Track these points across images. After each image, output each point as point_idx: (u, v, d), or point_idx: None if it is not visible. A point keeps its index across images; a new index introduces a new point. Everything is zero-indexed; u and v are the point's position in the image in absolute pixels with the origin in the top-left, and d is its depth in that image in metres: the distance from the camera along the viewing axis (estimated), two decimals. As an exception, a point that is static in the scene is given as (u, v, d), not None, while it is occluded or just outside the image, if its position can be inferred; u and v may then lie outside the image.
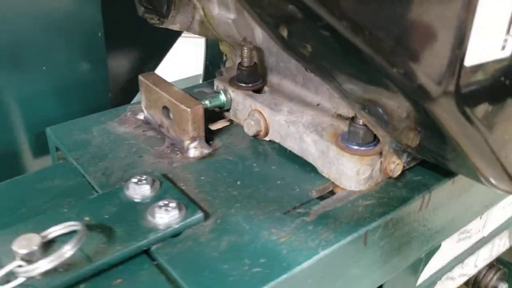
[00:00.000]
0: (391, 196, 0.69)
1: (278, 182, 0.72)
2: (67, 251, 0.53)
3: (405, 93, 0.48)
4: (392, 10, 0.39)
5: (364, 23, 0.40)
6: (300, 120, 0.76)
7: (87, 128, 0.85)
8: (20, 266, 0.53)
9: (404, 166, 0.72)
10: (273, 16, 0.49)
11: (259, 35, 0.82)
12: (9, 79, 0.87)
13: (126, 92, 1.24)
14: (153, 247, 0.60)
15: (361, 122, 0.68)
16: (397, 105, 0.59)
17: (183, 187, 0.70)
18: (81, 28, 0.90)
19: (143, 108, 0.86)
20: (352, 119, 0.69)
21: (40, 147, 0.92)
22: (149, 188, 0.66)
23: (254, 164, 0.76)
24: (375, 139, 0.69)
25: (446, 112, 0.49)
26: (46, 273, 0.54)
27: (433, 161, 0.69)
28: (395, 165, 0.69)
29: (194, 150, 0.78)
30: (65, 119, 0.86)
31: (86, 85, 0.96)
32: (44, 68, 0.88)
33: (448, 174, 0.73)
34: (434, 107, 0.48)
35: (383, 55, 0.42)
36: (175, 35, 1.33)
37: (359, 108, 0.59)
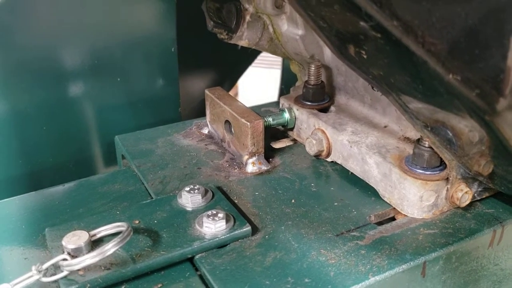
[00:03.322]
0: (457, 227, 0.64)
1: (335, 203, 0.69)
2: (110, 248, 0.53)
3: (465, 106, 0.44)
4: (446, 10, 0.36)
5: (417, 24, 0.37)
6: (364, 140, 0.72)
7: (153, 138, 0.87)
8: (65, 259, 0.54)
9: (474, 196, 0.66)
10: (330, 25, 0.48)
11: (328, 53, 0.80)
12: (87, 89, 0.91)
13: (197, 113, 1.26)
14: (197, 256, 0.59)
15: (426, 144, 0.63)
16: (468, 127, 0.55)
17: (236, 201, 0.69)
18: (156, 43, 0.94)
19: (208, 121, 0.87)
20: (418, 141, 0.65)
21: (111, 156, 0.96)
22: (201, 198, 0.66)
23: (312, 184, 0.74)
24: (442, 164, 0.64)
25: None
26: (90, 269, 0.55)
27: (508, 192, 0.63)
28: (463, 194, 0.64)
29: (252, 166, 0.77)
30: (135, 130, 0.89)
31: (158, 99, 0.99)
32: (118, 79, 0.92)
33: (527, 208, 0.66)
34: (498, 121, 0.43)
35: (438, 59, 0.39)
36: (249, 58, 1.35)
37: (421, 126, 0.55)
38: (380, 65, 0.47)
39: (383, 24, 0.40)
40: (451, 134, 0.55)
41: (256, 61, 1.46)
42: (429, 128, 0.55)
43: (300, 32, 0.80)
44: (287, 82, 1.45)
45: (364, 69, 0.50)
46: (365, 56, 0.47)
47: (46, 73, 0.87)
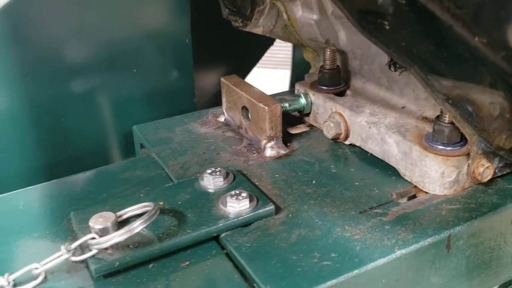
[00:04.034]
0: (479, 202, 0.64)
1: (356, 183, 0.69)
2: (138, 226, 0.54)
3: (489, 71, 0.44)
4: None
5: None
6: (382, 121, 0.73)
7: (170, 127, 0.87)
8: (93, 238, 0.55)
9: (495, 172, 0.66)
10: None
11: (343, 37, 0.81)
12: (103, 81, 0.92)
13: (211, 106, 1.27)
14: (223, 235, 0.59)
15: (446, 120, 0.64)
16: (488, 100, 0.55)
17: (257, 183, 0.70)
18: (170, 34, 0.94)
19: (224, 109, 0.87)
20: (438, 117, 0.65)
21: (127, 148, 0.96)
22: (223, 179, 0.66)
23: (332, 166, 0.74)
24: (463, 139, 0.65)
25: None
26: (118, 248, 0.55)
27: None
28: (484, 169, 0.64)
29: (271, 150, 0.77)
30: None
31: (173, 90, 1.00)
32: (134, 70, 0.93)
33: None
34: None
35: (463, 23, 0.39)
36: (261, 49, 1.36)
37: (443, 99, 0.55)
38: (403, 35, 0.47)
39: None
40: (472, 107, 0.56)
41: (261, 61, 1.47)
42: (450, 101, 0.55)
43: (315, 16, 0.81)
44: (297, 76, 1.46)
45: (386, 41, 0.50)
46: (387, 27, 0.47)
47: (63, 66, 0.88)
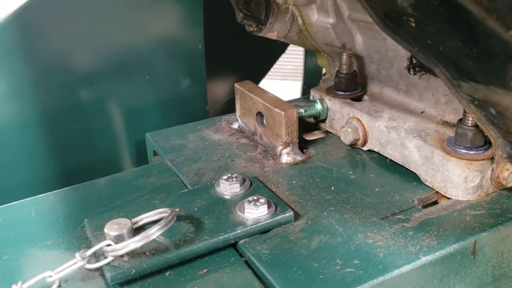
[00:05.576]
0: (504, 207, 0.62)
1: (376, 189, 0.68)
2: (154, 232, 0.52)
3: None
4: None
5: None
6: (402, 126, 0.71)
7: (183, 134, 0.86)
8: (108, 245, 0.53)
9: (520, 177, 0.64)
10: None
11: (360, 41, 0.80)
12: (116, 88, 0.91)
13: (223, 114, 1.26)
14: (241, 242, 0.58)
15: (470, 123, 0.62)
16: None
17: (274, 189, 0.68)
18: (183, 41, 0.94)
19: (238, 116, 0.86)
20: (460, 120, 0.63)
21: (140, 155, 0.95)
22: (239, 186, 0.65)
23: (350, 172, 0.72)
24: (486, 143, 0.63)
25: None
26: (134, 255, 0.54)
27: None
28: (509, 173, 0.62)
29: (287, 156, 0.76)
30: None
31: (186, 97, 0.98)
32: (147, 78, 0.92)
33: None
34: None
35: (497, 16, 0.38)
36: (273, 57, 1.35)
37: (468, 100, 0.53)
38: (430, 32, 0.46)
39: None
40: (498, 109, 0.54)
41: (270, 72, 1.46)
42: (476, 102, 0.53)
43: (331, 20, 0.80)
44: (309, 82, 1.45)
45: (410, 40, 0.49)
46: (413, 24, 0.46)
47: (75, 73, 0.87)
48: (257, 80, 1.35)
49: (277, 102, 0.77)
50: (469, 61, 0.46)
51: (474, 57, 0.45)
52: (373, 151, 0.76)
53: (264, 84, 1.46)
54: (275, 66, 1.45)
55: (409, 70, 0.71)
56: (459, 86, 0.52)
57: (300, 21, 0.83)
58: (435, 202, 0.66)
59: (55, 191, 0.73)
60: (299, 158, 0.76)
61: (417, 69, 0.70)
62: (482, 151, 0.62)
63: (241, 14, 0.79)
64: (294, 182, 0.70)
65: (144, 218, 0.58)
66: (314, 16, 0.81)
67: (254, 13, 0.81)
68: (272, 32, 0.83)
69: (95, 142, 0.92)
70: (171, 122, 0.95)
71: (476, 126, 0.61)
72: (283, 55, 1.43)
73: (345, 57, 0.79)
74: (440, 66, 0.50)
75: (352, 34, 0.79)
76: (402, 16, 0.46)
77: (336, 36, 0.81)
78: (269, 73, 1.44)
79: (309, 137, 0.84)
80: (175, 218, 0.55)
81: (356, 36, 0.79)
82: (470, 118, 0.62)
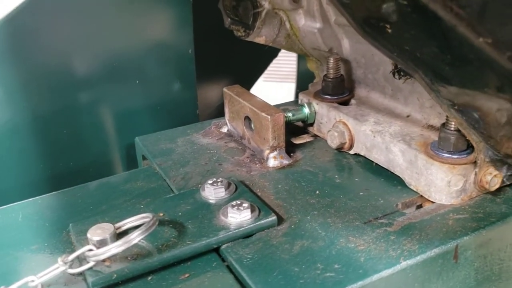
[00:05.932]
0: (487, 211, 0.62)
1: (361, 193, 0.68)
2: (135, 237, 0.52)
3: (495, 72, 0.43)
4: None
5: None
6: (387, 130, 0.71)
7: (172, 138, 0.86)
8: (90, 250, 0.53)
9: (503, 181, 0.64)
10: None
11: (346, 45, 0.80)
12: (106, 93, 0.91)
13: (214, 118, 1.26)
14: (223, 246, 0.58)
15: (452, 127, 0.62)
16: (495, 106, 0.54)
17: (259, 193, 0.68)
18: (173, 45, 0.94)
19: (227, 120, 0.86)
20: (443, 125, 0.63)
21: (130, 160, 0.95)
22: (224, 190, 0.65)
23: (336, 176, 0.73)
24: (469, 147, 0.63)
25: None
26: (116, 260, 0.54)
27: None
28: (492, 177, 0.62)
29: (274, 160, 0.76)
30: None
31: (176, 101, 0.99)
32: (137, 82, 0.92)
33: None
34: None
35: (467, 23, 0.38)
36: (265, 61, 1.35)
37: (448, 105, 0.54)
38: (406, 38, 0.46)
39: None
40: (478, 113, 0.54)
41: (267, 75, 1.46)
42: (456, 107, 0.54)
43: (318, 25, 0.80)
44: (302, 86, 1.45)
45: (389, 46, 0.49)
46: (390, 31, 0.46)
47: (65, 77, 0.87)
48: (249, 84, 1.35)
49: (264, 106, 0.77)
50: (446, 67, 0.47)
51: (450, 63, 0.46)
52: (359, 155, 0.76)
53: (262, 86, 1.47)
54: (272, 68, 1.45)
55: (394, 74, 0.71)
56: (438, 91, 0.52)
57: (288, 25, 0.83)
58: (420, 206, 0.66)
59: (43, 196, 0.73)
60: (286, 162, 0.76)
61: (401, 73, 0.70)
62: (465, 155, 0.63)
63: (229, 19, 0.80)
64: (279, 186, 0.71)
65: (128, 223, 0.58)
66: (301, 21, 0.82)
67: (242, 18, 0.81)
68: (260, 37, 0.83)
69: (86, 146, 0.92)
70: (162, 126, 0.95)
71: (458, 130, 0.62)
72: (281, 58, 1.43)
73: (332, 61, 0.80)
74: (419, 71, 0.51)
75: (339, 38, 0.80)
76: (379, 22, 0.46)
77: (323, 41, 0.81)
78: (266, 75, 1.44)
79: (297, 141, 0.84)
80: (157, 223, 0.55)
81: (343, 41, 0.80)
82: (453, 123, 0.62)
